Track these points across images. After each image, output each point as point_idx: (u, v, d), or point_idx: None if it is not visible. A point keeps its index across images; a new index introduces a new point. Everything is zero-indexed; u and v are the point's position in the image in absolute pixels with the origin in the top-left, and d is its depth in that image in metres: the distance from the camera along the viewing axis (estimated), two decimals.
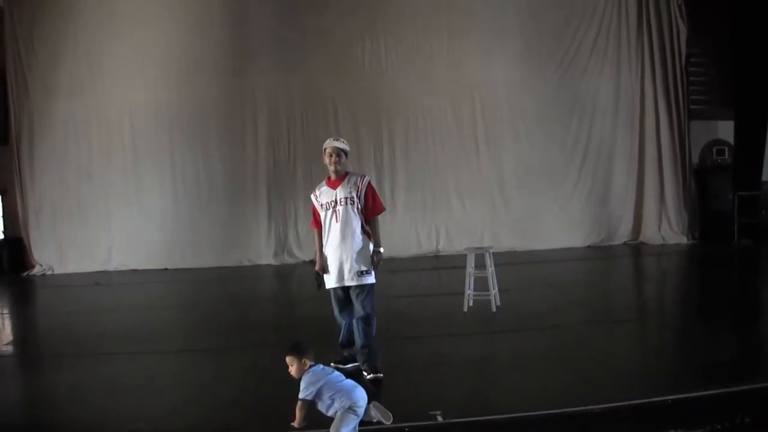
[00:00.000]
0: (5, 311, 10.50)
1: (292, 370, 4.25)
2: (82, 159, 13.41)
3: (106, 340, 7.26)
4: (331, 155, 5.44)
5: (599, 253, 13.24)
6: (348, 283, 5.36)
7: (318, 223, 5.57)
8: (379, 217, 5.52)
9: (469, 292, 7.68)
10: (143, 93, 13.27)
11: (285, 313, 9.41)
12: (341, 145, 5.49)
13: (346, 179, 5.47)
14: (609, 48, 14.26)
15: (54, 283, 12.46)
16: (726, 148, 14.49)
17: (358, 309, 5.35)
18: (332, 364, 5.19)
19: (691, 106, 14.38)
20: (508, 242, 13.43)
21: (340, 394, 4.11)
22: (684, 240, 13.91)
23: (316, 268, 5.55)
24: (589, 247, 13.91)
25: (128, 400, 5.11)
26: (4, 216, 14.01)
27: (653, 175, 14.23)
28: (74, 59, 13.27)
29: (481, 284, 7.67)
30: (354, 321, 5.40)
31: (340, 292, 5.45)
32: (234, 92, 13.54)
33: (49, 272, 13.25)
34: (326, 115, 13.68)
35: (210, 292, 10.97)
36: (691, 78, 14.43)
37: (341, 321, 5.56)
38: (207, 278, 12.17)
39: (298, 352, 4.26)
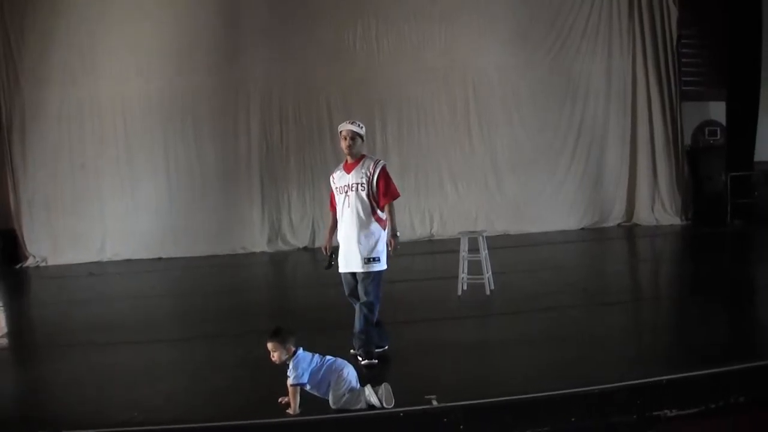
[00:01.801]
0: None
1: (275, 356, 4.28)
2: (74, 149, 13.29)
3: (101, 330, 7.24)
4: (345, 138, 5.40)
5: (593, 235, 13.24)
6: (355, 269, 5.37)
7: (334, 206, 5.59)
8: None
9: (463, 275, 7.69)
10: (135, 83, 13.15)
11: (280, 300, 9.40)
12: (355, 128, 5.41)
13: (360, 164, 5.42)
14: (600, 31, 14.17)
15: (48, 275, 12.40)
16: (718, 129, 14.44)
17: (362, 295, 5.35)
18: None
19: (683, 87, 14.32)
20: (501, 225, 13.47)
21: (327, 371, 4.26)
22: (677, 221, 13.91)
23: (324, 246, 5.61)
24: (582, 229, 13.90)
25: (123, 390, 5.10)
26: None
27: (646, 157, 14.19)
28: (66, 50, 13.09)
29: (475, 268, 7.68)
30: (357, 305, 5.40)
31: (349, 277, 5.48)
32: (226, 80, 13.41)
33: (43, 264, 13.16)
34: (318, 102, 13.60)
35: (205, 281, 10.94)
36: (683, 59, 14.35)
37: (353, 303, 5.56)
38: (201, 267, 12.13)
39: (282, 338, 4.26)
